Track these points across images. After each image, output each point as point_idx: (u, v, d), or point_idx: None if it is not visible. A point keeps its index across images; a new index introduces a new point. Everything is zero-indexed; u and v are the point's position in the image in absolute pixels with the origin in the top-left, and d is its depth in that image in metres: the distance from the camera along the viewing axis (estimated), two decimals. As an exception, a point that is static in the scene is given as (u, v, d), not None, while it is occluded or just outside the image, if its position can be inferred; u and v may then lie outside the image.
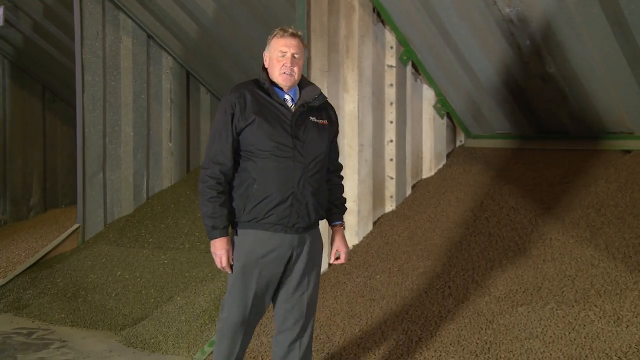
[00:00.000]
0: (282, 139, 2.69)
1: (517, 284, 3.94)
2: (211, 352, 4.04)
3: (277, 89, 2.76)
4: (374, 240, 4.86)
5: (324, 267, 4.45)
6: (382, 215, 5.18)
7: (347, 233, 4.65)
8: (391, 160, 5.23)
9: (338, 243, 2.95)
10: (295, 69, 2.74)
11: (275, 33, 2.79)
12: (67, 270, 5.83)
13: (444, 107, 5.54)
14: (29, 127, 9.36)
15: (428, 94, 5.55)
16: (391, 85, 5.21)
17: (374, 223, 5.08)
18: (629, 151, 4.88)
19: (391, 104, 5.21)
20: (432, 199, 5.19)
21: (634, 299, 3.48)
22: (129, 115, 6.93)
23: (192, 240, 5.96)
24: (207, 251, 5.71)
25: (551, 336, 3.39)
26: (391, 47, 5.21)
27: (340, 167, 3.02)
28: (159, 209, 6.81)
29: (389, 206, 5.24)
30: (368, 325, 3.88)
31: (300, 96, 2.80)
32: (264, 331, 4.09)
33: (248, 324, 2.83)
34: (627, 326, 3.29)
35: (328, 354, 3.70)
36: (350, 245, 4.72)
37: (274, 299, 2.88)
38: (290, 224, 2.72)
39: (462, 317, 3.77)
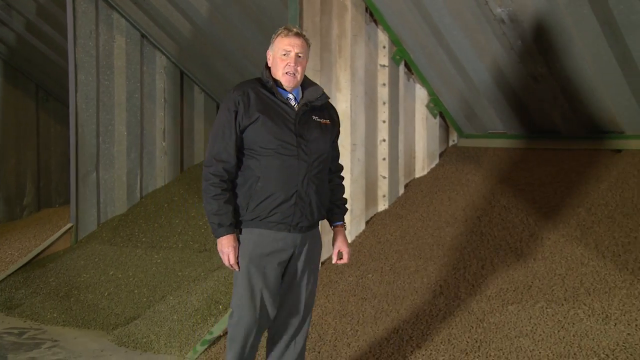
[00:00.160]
0: (286, 137, 2.69)
1: (507, 282, 3.97)
2: (203, 351, 4.05)
3: (280, 88, 2.75)
4: (366, 240, 4.87)
5: (316, 266, 4.46)
6: (374, 215, 5.19)
7: (339, 232, 4.65)
8: (384, 159, 5.24)
9: (341, 243, 2.95)
10: (299, 68, 2.73)
11: (279, 32, 2.78)
12: (59, 269, 5.82)
13: (436, 106, 5.56)
14: (22, 126, 9.34)
15: (421, 94, 5.57)
16: (384, 84, 5.22)
17: (367, 222, 5.09)
18: (619, 150, 4.91)
19: (384, 103, 5.23)
20: (424, 198, 5.21)
21: (622, 297, 3.51)
22: (123, 115, 6.92)
23: (185, 239, 5.96)
24: (200, 250, 5.72)
25: (540, 334, 3.41)
26: (384, 47, 5.22)
27: (341, 168, 3.02)
28: (153, 208, 6.81)
29: (382, 205, 5.25)
30: (359, 324, 3.89)
31: (303, 95, 2.79)
32: (256, 330, 4.10)
33: (259, 325, 2.79)
34: (615, 324, 3.31)
35: (320, 352, 3.71)
36: (342, 244, 4.73)
37: None
38: (294, 223, 2.72)
39: (453, 315, 3.79)
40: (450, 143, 5.89)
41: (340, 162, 3.06)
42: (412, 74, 5.46)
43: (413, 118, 5.57)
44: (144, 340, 4.32)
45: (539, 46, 4.53)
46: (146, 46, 7.13)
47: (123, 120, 6.92)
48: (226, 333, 4.11)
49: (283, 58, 2.72)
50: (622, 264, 3.79)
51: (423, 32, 4.94)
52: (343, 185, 3.02)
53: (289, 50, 2.71)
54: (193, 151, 7.70)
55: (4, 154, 9.11)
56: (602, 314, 3.42)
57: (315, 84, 2.88)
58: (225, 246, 2.69)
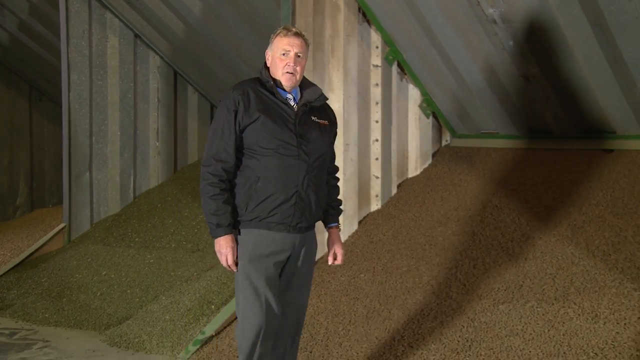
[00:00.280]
0: (286, 138, 2.67)
1: (499, 282, 3.98)
2: (195, 351, 4.05)
3: (279, 88, 2.73)
4: (359, 240, 4.88)
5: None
6: (367, 215, 5.20)
7: (331, 232, 4.66)
8: (377, 159, 5.25)
9: (335, 245, 2.93)
10: (298, 68, 2.71)
11: (278, 32, 2.75)
12: (52, 270, 5.81)
13: (429, 106, 5.57)
14: (15, 126, 9.32)
15: (414, 94, 5.58)
16: (377, 84, 5.23)
17: (359, 222, 5.10)
18: (610, 150, 4.93)
19: (377, 103, 5.24)
20: (417, 198, 5.22)
21: (611, 296, 3.52)
22: (116, 115, 6.91)
23: (178, 239, 5.96)
24: (193, 250, 5.72)
25: (531, 333, 3.43)
26: (377, 47, 5.23)
27: (337, 169, 3.01)
28: (146, 208, 6.80)
29: (375, 205, 5.26)
30: (351, 323, 3.90)
31: (302, 96, 2.78)
32: (248, 330, 4.10)
33: (268, 325, 2.68)
34: (605, 323, 3.33)
35: (311, 352, 3.71)
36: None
37: None
38: (293, 224, 2.70)
39: (445, 315, 3.80)
40: (443, 143, 5.90)
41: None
42: (405, 74, 5.47)
43: (406, 118, 5.59)
44: (136, 340, 4.32)
45: (530, 46, 4.55)
46: (139, 46, 7.13)
47: (116, 120, 6.91)
48: (218, 333, 4.14)
49: (282, 58, 2.70)
50: (612, 263, 3.81)
51: (416, 32, 4.95)
52: (338, 187, 3.02)
53: (288, 50, 2.70)
54: (187, 151, 7.69)
55: (-3, 154, 9.10)
56: (592, 313, 3.44)
57: (314, 84, 2.87)
58: (223, 247, 2.66)
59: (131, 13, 6.77)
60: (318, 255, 4.36)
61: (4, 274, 5.89)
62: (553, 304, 3.62)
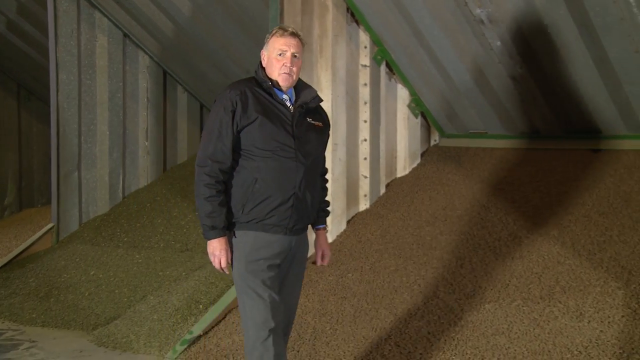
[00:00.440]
0: (284, 139, 2.64)
1: (485, 281, 4.00)
2: (182, 351, 4.05)
3: (275, 88, 2.70)
4: (347, 239, 4.89)
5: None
6: (355, 214, 5.21)
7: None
8: (365, 159, 5.26)
9: (323, 246, 2.91)
10: (295, 68, 2.68)
11: (274, 32, 2.72)
12: (40, 270, 5.79)
13: (418, 106, 5.59)
14: (3, 125, 9.27)
15: (402, 94, 5.59)
16: (365, 84, 5.24)
17: (348, 222, 5.11)
18: (597, 150, 4.97)
19: (365, 103, 5.25)
20: (405, 198, 5.23)
21: (596, 295, 3.55)
22: (105, 114, 6.89)
23: (167, 239, 5.95)
24: (182, 250, 5.71)
25: (516, 332, 3.45)
26: (365, 47, 5.24)
27: (326, 171, 2.99)
28: (135, 208, 6.78)
29: (363, 205, 5.28)
30: (339, 323, 3.91)
31: (297, 96, 2.75)
32: (236, 329, 4.10)
33: (276, 323, 2.64)
34: (589, 321, 3.35)
35: (299, 352, 3.72)
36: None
37: None
38: (290, 226, 2.67)
39: (431, 314, 3.81)
40: (432, 143, 5.92)
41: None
42: (394, 74, 5.49)
43: (394, 118, 5.60)
44: (124, 340, 4.31)
45: (518, 47, 4.57)
46: (128, 45, 7.11)
47: (105, 120, 6.89)
48: (206, 333, 4.14)
49: (279, 58, 2.67)
50: (597, 262, 3.84)
51: (404, 32, 4.97)
52: (327, 188, 3.00)
53: (285, 50, 2.67)
54: (176, 151, 7.68)
55: (-15, 154, 9.05)
56: (577, 311, 3.46)
57: (309, 85, 2.85)
58: (217, 249, 2.63)
59: (120, 12, 6.75)
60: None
61: (-8, 274, 5.86)
62: (539, 302, 3.65)
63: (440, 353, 3.45)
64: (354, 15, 5.11)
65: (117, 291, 5.16)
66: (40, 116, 9.57)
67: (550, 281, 3.81)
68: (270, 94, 2.68)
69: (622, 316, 3.34)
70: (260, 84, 2.69)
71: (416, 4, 4.64)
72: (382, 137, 5.45)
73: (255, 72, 2.75)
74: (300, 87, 2.79)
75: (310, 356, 3.66)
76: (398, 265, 4.38)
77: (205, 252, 5.51)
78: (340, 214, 5.02)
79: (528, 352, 3.27)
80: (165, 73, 7.47)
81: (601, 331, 3.26)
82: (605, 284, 3.63)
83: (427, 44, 4.96)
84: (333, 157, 4.90)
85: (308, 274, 4.50)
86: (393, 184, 5.51)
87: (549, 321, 3.46)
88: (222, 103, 2.64)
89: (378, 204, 5.27)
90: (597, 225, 4.19)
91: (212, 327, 4.18)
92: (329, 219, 4.86)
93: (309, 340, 3.80)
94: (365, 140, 5.26)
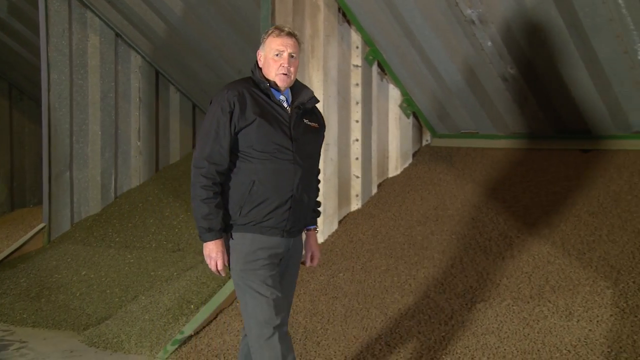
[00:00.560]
0: (282, 141, 2.61)
1: (476, 280, 4.01)
2: (173, 351, 4.04)
3: (272, 89, 2.68)
4: (338, 239, 4.90)
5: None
6: (347, 214, 5.22)
7: (311, 231, 4.68)
8: (357, 159, 5.27)
9: (313, 247, 2.89)
10: (292, 69, 2.66)
11: (270, 32, 2.70)
12: (31, 270, 5.77)
13: (409, 106, 5.60)
14: (-5, 125, 9.25)
15: (394, 94, 5.60)
16: (357, 84, 5.25)
17: (339, 222, 5.12)
18: (587, 150, 4.99)
19: (357, 103, 5.26)
20: (397, 198, 5.25)
21: (585, 294, 3.57)
22: (97, 114, 6.87)
23: (159, 239, 5.94)
24: (174, 250, 5.70)
25: (506, 331, 3.46)
26: (357, 47, 5.25)
27: (319, 171, 2.97)
28: (127, 208, 6.77)
29: (355, 205, 5.28)
30: (329, 322, 3.92)
31: (294, 97, 2.72)
32: (227, 329, 4.10)
33: (282, 320, 2.62)
34: (578, 321, 3.37)
35: (289, 351, 3.72)
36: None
37: None
38: (287, 228, 2.65)
39: (422, 313, 3.82)
40: (424, 143, 5.94)
41: None
42: (385, 74, 5.50)
43: (386, 118, 5.61)
44: (115, 340, 4.30)
45: (508, 47, 4.59)
46: (121, 45, 7.09)
47: (97, 120, 6.88)
48: (197, 332, 4.14)
49: (276, 59, 2.65)
50: (587, 262, 3.86)
51: (395, 32, 4.98)
52: (319, 189, 2.98)
53: (282, 50, 2.64)
54: (168, 151, 7.67)
55: (-24, 154, 9.01)
56: (566, 310, 3.48)
57: (305, 85, 2.83)
58: (213, 251, 2.61)
59: (112, 12, 6.74)
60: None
61: (-18, 274, 5.83)
62: (528, 302, 3.66)
63: (431, 352, 3.46)
64: (345, 16, 5.11)
65: (108, 291, 5.14)
66: (32, 116, 9.53)
67: (540, 281, 3.83)
68: (268, 95, 2.66)
69: (611, 315, 3.36)
70: (257, 85, 2.67)
71: (407, 4, 4.65)
72: (374, 137, 5.46)
73: (252, 72, 2.73)
74: (296, 87, 2.76)
75: (301, 356, 3.66)
76: (389, 265, 4.39)
77: (196, 252, 5.52)
78: (332, 214, 5.02)
79: (518, 351, 3.29)
80: (157, 73, 7.46)
81: (590, 330, 3.28)
82: (595, 283, 3.65)
83: (418, 44, 4.97)
84: (325, 157, 4.90)
85: (299, 274, 4.48)
86: (385, 184, 5.52)
87: (538, 320, 3.47)
88: (220, 104, 2.61)
89: (370, 203, 5.28)
90: (587, 224, 4.21)
91: (204, 327, 4.18)
92: (320, 219, 4.88)
93: (300, 340, 3.80)
94: (357, 140, 5.27)
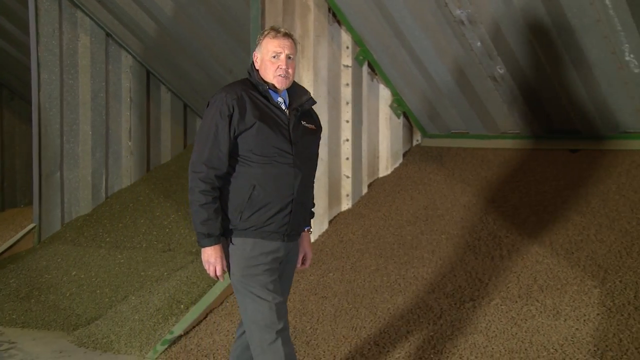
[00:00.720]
0: (282, 145, 2.59)
1: (465, 280, 4.03)
2: (163, 351, 4.04)
3: (270, 90, 2.65)
4: (328, 239, 4.91)
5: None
6: (338, 214, 5.23)
7: (301, 231, 4.68)
8: (347, 159, 5.28)
9: (306, 248, 2.87)
10: (290, 70, 2.64)
11: (266, 33, 2.67)
12: (21, 270, 5.75)
13: (400, 106, 5.61)
14: (-15, 125, 9.22)
15: (384, 94, 5.62)
16: (347, 85, 5.26)
17: (330, 222, 5.12)
18: (576, 150, 5.02)
19: (347, 103, 5.26)
20: (387, 198, 5.26)
21: (572, 293, 3.59)
22: (87, 114, 6.86)
23: (150, 239, 5.93)
24: (164, 250, 5.70)
25: (494, 331, 3.48)
26: (347, 47, 5.25)
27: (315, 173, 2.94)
28: (118, 208, 6.76)
29: (345, 205, 5.29)
30: (319, 322, 3.92)
31: (291, 98, 2.70)
32: (217, 329, 4.10)
33: (284, 324, 2.61)
34: (565, 320, 3.39)
35: (278, 351, 3.72)
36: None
37: None
38: (288, 232, 2.64)
39: (411, 313, 3.84)
40: (415, 143, 5.95)
41: None
42: (376, 74, 5.51)
43: (377, 118, 5.62)
44: (104, 340, 4.30)
45: (497, 48, 4.61)
46: (111, 45, 7.08)
47: (88, 120, 6.86)
48: (187, 332, 4.14)
49: (273, 61, 2.63)
50: (574, 261, 3.89)
51: (385, 32, 4.99)
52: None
53: (279, 52, 2.63)
54: (159, 151, 7.66)
55: (-33, 154, 8.97)
56: (553, 310, 3.50)
57: (301, 86, 2.79)
58: (212, 257, 2.58)
59: (102, 12, 6.73)
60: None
61: (-28, 275, 5.81)
62: (517, 301, 3.68)
63: (420, 352, 3.47)
64: (335, 16, 5.12)
65: (98, 291, 5.14)
66: (23, 116, 9.50)
67: (528, 280, 3.85)
68: (267, 98, 2.63)
69: (597, 314, 3.39)
70: (255, 87, 2.65)
71: (397, 4, 4.67)
72: (364, 137, 5.47)
73: (249, 74, 2.71)
74: (292, 88, 2.74)
75: (290, 356, 3.67)
76: (379, 265, 4.40)
77: (187, 252, 5.52)
78: (322, 214, 5.03)
79: (505, 351, 3.30)
80: (148, 73, 7.45)
81: (577, 329, 3.30)
82: (582, 282, 3.68)
83: (408, 45, 4.98)
84: (315, 157, 4.90)
85: (289, 274, 4.50)
86: (375, 184, 5.54)
87: (526, 320, 3.49)
88: (218, 107, 2.57)
89: (360, 203, 5.29)
90: (575, 224, 4.24)
91: (193, 327, 4.18)
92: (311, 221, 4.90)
93: (290, 340, 3.80)
94: (348, 140, 5.28)
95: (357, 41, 5.23)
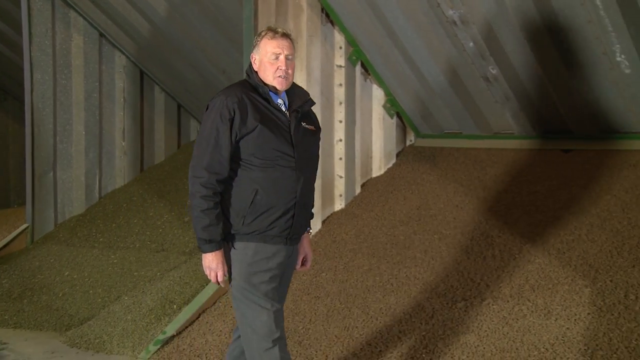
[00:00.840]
0: (283, 148, 2.57)
1: (457, 280, 4.04)
2: (156, 351, 4.04)
3: (270, 92, 2.62)
4: (322, 239, 4.91)
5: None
6: (331, 214, 5.24)
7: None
8: (340, 159, 5.29)
9: (307, 249, 2.86)
10: (290, 71, 2.62)
11: (264, 34, 2.64)
12: (13, 271, 5.74)
13: (393, 106, 5.62)
14: (-22, 125, 9.19)
15: (378, 94, 5.62)
16: (340, 85, 5.26)
17: (323, 222, 5.13)
18: (568, 150, 5.04)
19: (340, 103, 5.27)
20: (380, 198, 5.27)
21: (563, 293, 3.61)
22: (81, 114, 6.85)
23: (143, 239, 5.93)
24: (158, 250, 5.69)
25: (486, 330, 3.49)
26: (340, 48, 5.26)
27: None
28: (111, 208, 6.75)
29: (338, 205, 5.30)
30: (311, 322, 3.93)
31: (290, 99, 2.67)
32: (209, 330, 4.10)
33: (282, 333, 2.60)
34: (556, 319, 3.41)
35: (271, 351, 3.73)
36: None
37: None
38: (290, 235, 2.62)
39: (403, 313, 3.84)
40: (408, 143, 5.96)
41: None
42: (369, 74, 5.52)
43: (370, 118, 5.63)
44: (97, 341, 4.29)
45: (489, 48, 4.62)
46: (105, 45, 7.07)
47: (81, 120, 6.85)
48: (179, 333, 4.14)
49: (273, 62, 2.60)
50: (566, 261, 3.90)
51: (378, 33, 5.00)
52: None
53: (278, 52, 2.60)
54: (153, 151, 7.65)
55: (-41, 154, 8.94)
56: (545, 309, 3.51)
57: (299, 86, 2.77)
58: (214, 263, 2.56)
59: (96, 12, 6.72)
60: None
61: (-36, 276, 5.79)
62: (508, 301, 3.70)
63: (412, 352, 3.48)
64: (328, 16, 5.13)
65: (91, 292, 5.13)
66: (16, 116, 9.47)
67: (520, 280, 3.86)
68: (267, 100, 2.60)
69: (588, 313, 3.40)
70: (255, 89, 2.62)
71: (390, 5, 4.68)
72: (358, 137, 5.48)
73: (248, 75, 2.67)
74: (291, 88, 2.70)
75: (282, 355, 3.67)
76: (372, 265, 4.41)
77: (180, 253, 5.52)
78: (315, 214, 5.01)
79: (496, 350, 3.32)
80: (142, 73, 7.44)
81: (567, 328, 3.32)
82: (573, 282, 3.69)
83: (401, 45, 4.99)
84: (308, 157, 4.91)
85: (282, 274, 4.51)
86: (368, 184, 5.54)
87: (517, 319, 3.50)
88: (219, 111, 2.53)
89: (353, 203, 5.30)
90: (567, 224, 4.25)
91: (186, 327, 4.18)
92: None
93: (282, 340, 3.81)
94: (341, 140, 5.28)
95: (350, 41, 5.24)
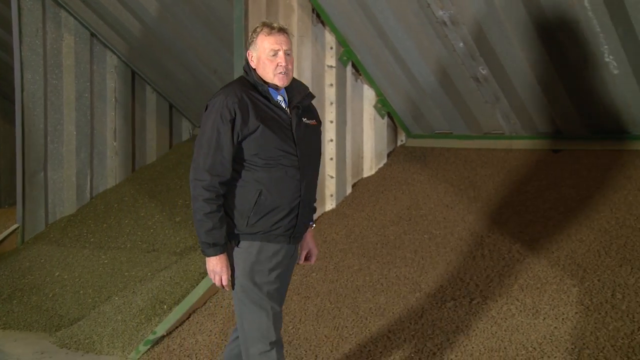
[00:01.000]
0: (287, 147, 2.53)
1: (447, 280, 4.06)
2: (146, 351, 4.04)
3: (270, 88, 2.57)
4: (312, 239, 4.91)
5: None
6: (322, 214, 5.24)
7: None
8: (331, 159, 5.29)
9: (310, 244, 2.82)
10: (289, 66, 2.57)
11: (260, 30, 2.58)
12: (3, 271, 5.72)
13: (384, 107, 5.64)
14: (-31, 125, 9.14)
15: (368, 94, 5.63)
16: (331, 85, 5.27)
17: (314, 222, 5.13)
18: (558, 151, 5.06)
19: (331, 103, 5.28)
20: (371, 198, 5.28)
21: (552, 292, 3.63)
22: (72, 114, 6.83)
23: (134, 239, 5.92)
24: (149, 250, 5.69)
25: (475, 330, 3.51)
26: (331, 48, 5.27)
27: None
28: (102, 208, 6.73)
29: (329, 205, 5.31)
30: (301, 322, 3.93)
31: (289, 94, 2.62)
32: (199, 330, 4.10)
33: (278, 336, 2.58)
34: (544, 318, 3.43)
35: (261, 351, 3.73)
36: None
37: None
38: (294, 234, 2.59)
39: (393, 312, 3.86)
40: (399, 143, 5.97)
41: None
42: (360, 74, 5.53)
43: (361, 118, 5.64)
44: (87, 341, 4.29)
45: (480, 48, 4.64)
46: (96, 45, 7.05)
47: (72, 120, 6.83)
48: (170, 333, 4.13)
49: (272, 58, 2.54)
50: (554, 260, 3.92)
51: (369, 33, 5.01)
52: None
53: (277, 49, 2.53)
54: (145, 151, 7.63)
55: (-50, 154, 8.90)
56: (533, 309, 3.53)
57: (298, 80, 2.72)
58: (218, 266, 2.52)
59: (87, 12, 6.70)
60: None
61: (-47, 276, 5.77)
62: (497, 300, 3.71)
63: (400, 351, 3.49)
64: (319, 16, 5.13)
65: (81, 292, 5.12)
66: (7, 116, 9.42)
67: (509, 279, 3.88)
68: (267, 98, 2.55)
69: (576, 313, 3.42)
70: (255, 87, 2.57)
71: (380, 5, 4.69)
72: (349, 137, 5.48)
73: (246, 73, 2.61)
74: (290, 83, 2.64)
75: (272, 355, 3.67)
76: (362, 265, 4.42)
77: (171, 253, 5.51)
78: (306, 214, 5.04)
79: (485, 349, 3.33)
80: (133, 73, 7.42)
81: (555, 327, 3.34)
82: (561, 281, 3.71)
83: (392, 45, 5.01)
84: (299, 158, 4.91)
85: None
86: (359, 184, 5.56)
87: (506, 319, 3.52)
88: (219, 111, 2.48)
89: (344, 203, 5.31)
90: (556, 224, 4.28)
91: (176, 328, 4.18)
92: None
93: (272, 340, 3.81)
94: (332, 140, 5.29)
95: (341, 42, 5.25)
